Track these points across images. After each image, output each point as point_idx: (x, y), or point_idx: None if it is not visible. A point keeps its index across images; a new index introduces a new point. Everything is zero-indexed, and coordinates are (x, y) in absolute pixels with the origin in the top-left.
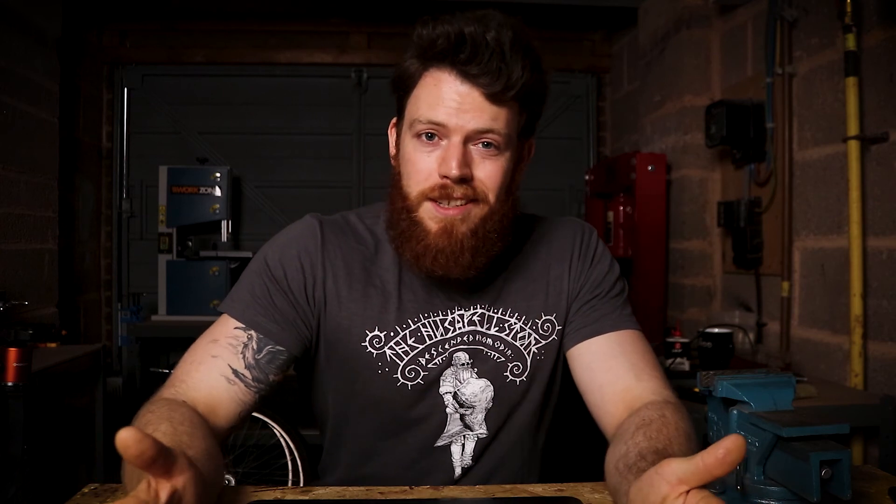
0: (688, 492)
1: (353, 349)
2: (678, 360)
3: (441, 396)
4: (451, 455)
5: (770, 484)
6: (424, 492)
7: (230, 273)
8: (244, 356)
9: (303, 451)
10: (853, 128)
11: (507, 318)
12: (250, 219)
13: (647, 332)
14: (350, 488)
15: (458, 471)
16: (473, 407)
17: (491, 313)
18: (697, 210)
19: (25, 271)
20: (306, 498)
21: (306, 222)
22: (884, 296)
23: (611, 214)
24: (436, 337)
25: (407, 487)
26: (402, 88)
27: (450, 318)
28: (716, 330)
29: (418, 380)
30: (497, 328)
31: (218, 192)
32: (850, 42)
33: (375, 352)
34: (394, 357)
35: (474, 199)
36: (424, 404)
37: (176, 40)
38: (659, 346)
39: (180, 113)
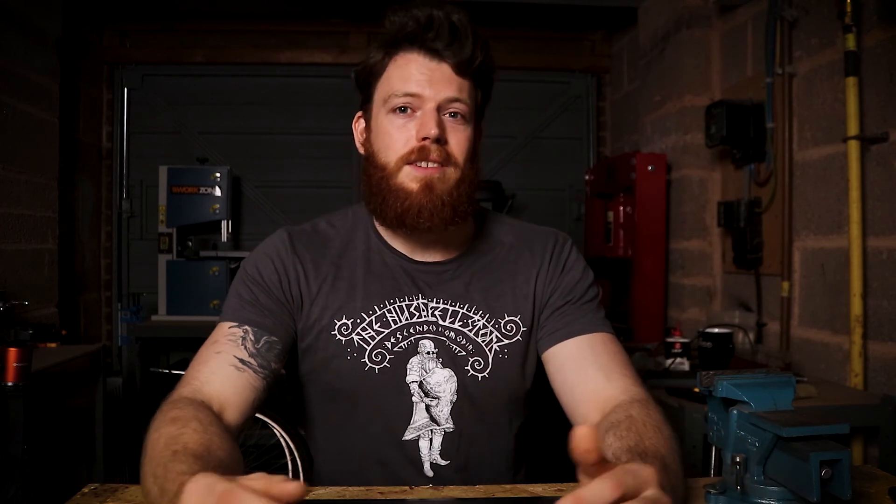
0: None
1: (324, 339)
2: (678, 360)
3: (407, 385)
4: (419, 450)
5: (770, 484)
6: (424, 492)
7: (230, 273)
8: (245, 346)
9: (303, 451)
10: (853, 128)
11: (470, 314)
12: (250, 219)
13: (648, 332)
14: (350, 488)
15: (427, 465)
16: (439, 398)
17: (456, 308)
18: (697, 210)
19: (25, 271)
20: (306, 498)
21: (277, 234)
22: (884, 296)
23: (611, 214)
24: (400, 321)
25: (407, 488)
26: (370, 77)
27: (415, 303)
28: (716, 330)
29: (385, 363)
30: (461, 323)
31: (218, 192)
32: (850, 42)
33: (344, 339)
34: (361, 342)
35: (447, 162)
36: (391, 391)
37: (176, 40)
38: (659, 346)
39: (180, 113)
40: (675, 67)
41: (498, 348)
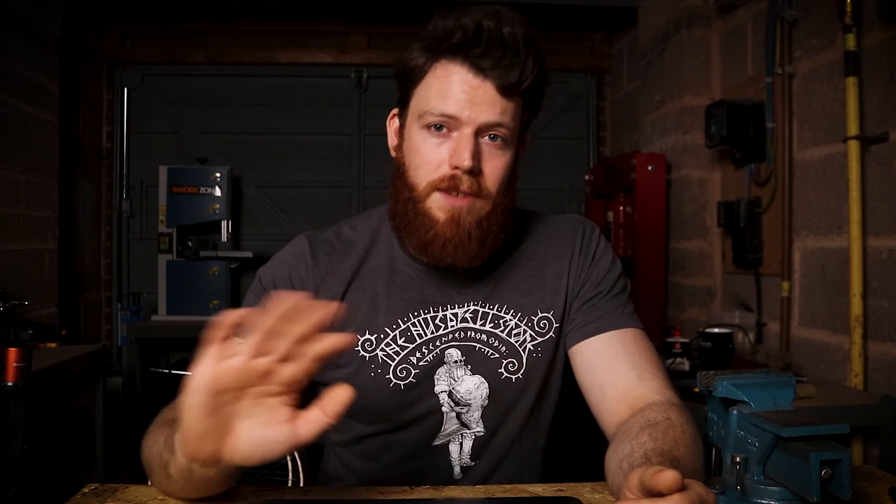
0: None
1: (347, 355)
2: (678, 360)
3: (436, 396)
4: (449, 454)
5: (770, 484)
6: (425, 492)
7: (230, 273)
8: None
9: (303, 451)
10: (853, 128)
11: (502, 314)
12: (250, 219)
13: (648, 332)
14: (350, 488)
15: (457, 469)
16: (469, 405)
17: (486, 309)
18: (697, 210)
19: (25, 271)
20: (306, 498)
21: (297, 243)
22: (884, 296)
23: (611, 214)
24: (426, 335)
25: (407, 487)
26: (409, 79)
27: (440, 315)
28: (716, 330)
29: (410, 378)
30: (492, 324)
31: (218, 192)
32: (850, 42)
33: (368, 355)
34: (385, 358)
35: (478, 194)
36: (419, 404)
37: (176, 40)
38: (659, 345)
39: (180, 113)
40: (675, 67)
41: (532, 347)
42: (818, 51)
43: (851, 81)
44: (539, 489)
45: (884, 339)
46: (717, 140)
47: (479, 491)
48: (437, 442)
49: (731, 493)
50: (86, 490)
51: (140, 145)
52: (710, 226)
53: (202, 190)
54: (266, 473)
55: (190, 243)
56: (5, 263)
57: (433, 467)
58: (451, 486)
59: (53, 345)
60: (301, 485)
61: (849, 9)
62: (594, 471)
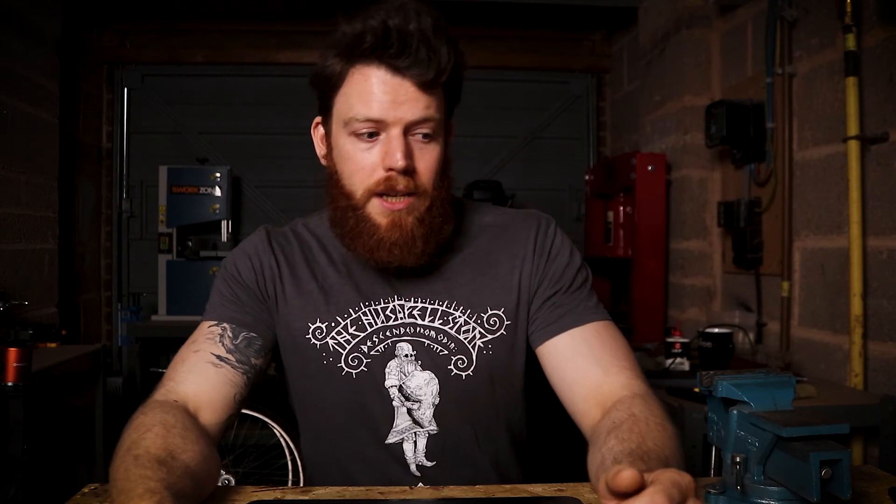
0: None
1: (300, 343)
2: (678, 360)
3: (387, 390)
4: (403, 452)
5: (770, 484)
6: (424, 492)
7: None
8: (223, 343)
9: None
10: (853, 128)
11: (451, 311)
12: (250, 219)
13: (648, 332)
14: (350, 488)
15: (413, 467)
16: (420, 401)
17: (435, 306)
18: (697, 210)
19: (25, 271)
20: (306, 498)
21: (256, 233)
22: (884, 296)
23: (611, 214)
24: (376, 324)
25: (407, 488)
26: (327, 87)
27: (391, 305)
28: (716, 330)
29: (361, 367)
30: (441, 321)
31: (218, 192)
32: (850, 42)
33: (319, 343)
34: (336, 346)
35: (415, 192)
36: (371, 396)
37: (176, 40)
38: (659, 345)
39: (180, 113)
40: (675, 67)
41: (482, 344)
42: (818, 51)
43: (851, 81)
44: (539, 489)
45: (884, 339)
46: (717, 140)
47: (479, 491)
48: (391, 440)
49: (731, 493)
50: (86, 490)
51: (140, 145)
52: (710, 226)
53: (202, 190)
54: (266, 473)
55: (190, 243)
56: (5, 263)
57: (389, 467)
58: (451, 486)
59: (53, 345)
60: (301, 485)
61: (849, 9)
62: None
